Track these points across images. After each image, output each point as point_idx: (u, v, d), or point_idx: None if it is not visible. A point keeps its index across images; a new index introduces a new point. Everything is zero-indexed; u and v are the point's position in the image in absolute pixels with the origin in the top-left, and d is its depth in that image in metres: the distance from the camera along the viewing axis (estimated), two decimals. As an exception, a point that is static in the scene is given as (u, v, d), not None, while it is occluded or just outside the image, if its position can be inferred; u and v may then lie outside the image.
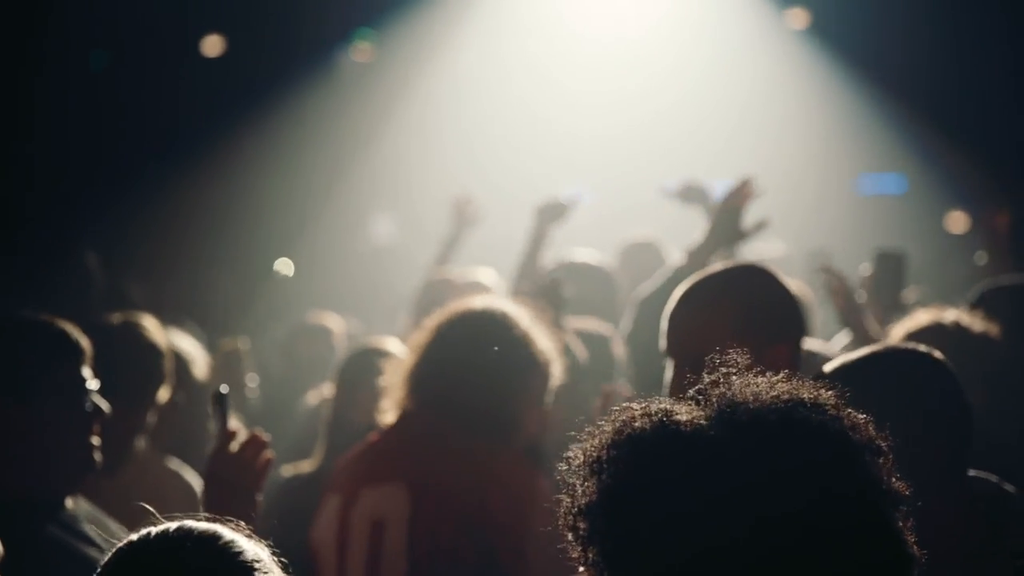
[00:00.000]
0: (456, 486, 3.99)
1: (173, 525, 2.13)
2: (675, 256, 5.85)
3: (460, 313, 4.27)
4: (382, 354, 5.60)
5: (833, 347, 5.68)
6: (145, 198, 11.34)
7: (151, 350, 4.57)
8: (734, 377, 1.94)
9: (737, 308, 3.44)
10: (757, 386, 1.91)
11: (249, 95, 12.65)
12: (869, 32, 13.27)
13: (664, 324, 3.52)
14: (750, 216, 5.27)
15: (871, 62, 13.64)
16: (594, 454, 1.91)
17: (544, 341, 4.22)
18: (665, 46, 14.12)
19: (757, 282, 3.55)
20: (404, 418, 4.19)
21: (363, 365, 5.61)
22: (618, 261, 8.12)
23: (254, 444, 3.50)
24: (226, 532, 2.13)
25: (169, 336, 5.51)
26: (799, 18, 14.37)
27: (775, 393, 1.89)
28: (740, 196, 5.21)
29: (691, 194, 7.12)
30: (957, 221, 14.14)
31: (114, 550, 2.14)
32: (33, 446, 3.51)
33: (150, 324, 4.79)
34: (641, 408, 1.93)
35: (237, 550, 2.11)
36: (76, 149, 11.64)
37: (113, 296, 6.20)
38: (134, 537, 2.14)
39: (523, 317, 4.24)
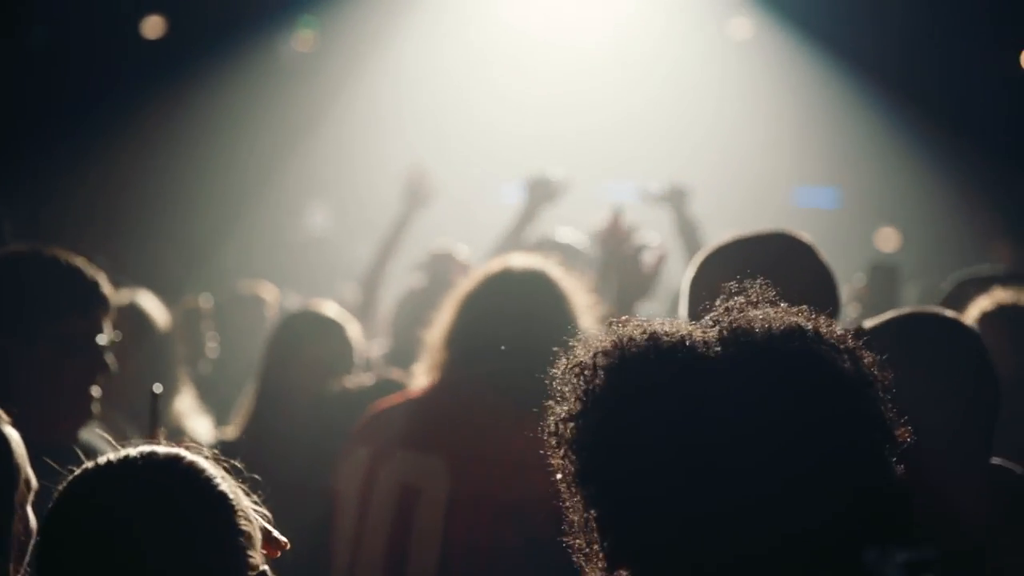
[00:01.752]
0: (499, 471, 3.82)
1: (134, 451, 2.05)
2: None
3: (499, 272, 4.12)
4: (319, 319, 5.42)
5: None
6: (86, 173, 11.25)
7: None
8: (750, 308, 1.88)
9: (795, 278, 3.15)
10: (769, 315, 1.86)
11: (190, 78, 12.56)
12: (815, 44, 13.36)
13: (687, 286, 3.27)
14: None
15: (816, 73, 13.73)
16: (583, 360, 1.86)
17: (583, 299, 4.09)
18: (607, 51, 14.15)
19: (796, 250, 3.33)
20: (447, 382, 4.03)
21: (299, 330, 5.39)
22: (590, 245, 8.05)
23: None
24: (189, 455, 2.06)
25: (133, 295, 5.46)
26: (743, 28, 14.45)
27: (783, 321, 1.84)
28: (624, 244, 4.98)
29: (672, 196, 7.01)
30: (887, 238, 14.28)
31: (71, 476, 2.05)
32: (31, 389, 3.43)
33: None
34: (638, 321, 1.88)
35: (203, 472, 2.05)
36: (7, 122, 11.52)
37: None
38: (90, 465, 2.05)
39: (562, 275, 4.10)
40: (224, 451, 5.13)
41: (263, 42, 13.72)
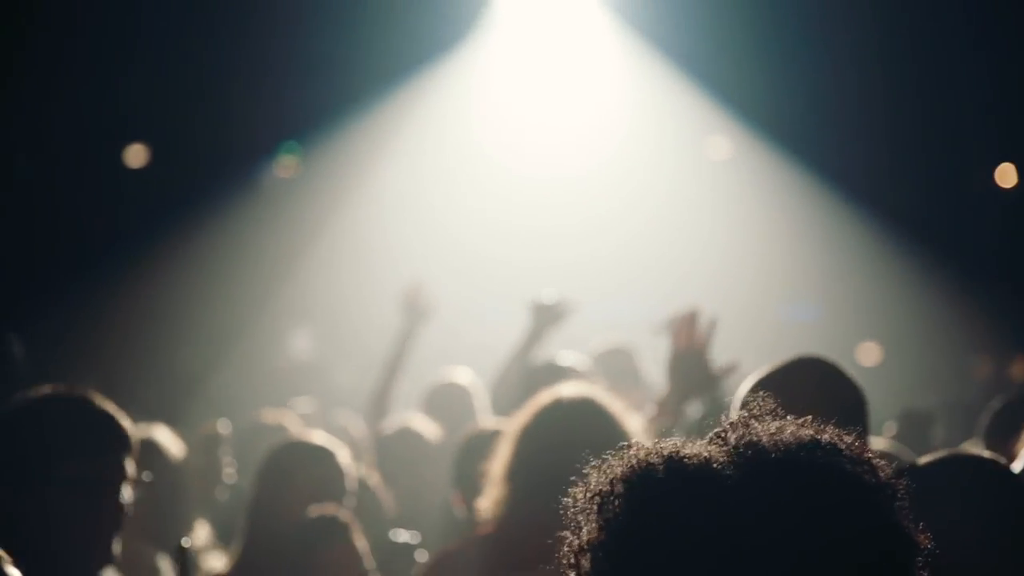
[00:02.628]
0: None
1: None
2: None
3: (551, 403, 4.13)
4: (310, 447, 5.29)
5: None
6: (75, 304, 11.27)
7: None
8: (754, 422, 1.86)
9: (830, 402, 3.32)
10: (777, 429, 1.84)
11: (173, 206, 12.64)
12: (795, 160, 13.51)
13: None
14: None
15: (795, 190, 13.87)
16: (601, 488, 1.83)
17: (634, 421, 4.12)
18: (588, 177, 14.27)
19: (838, 376, 3.45)
20: (516, 517, 3.99)
21: (290, 458, 5.22)
22: (591, 366, 8.01)
23: None
24: None
25: (147, 429, 5.42)
26: (721, 149, 14.61)
27: (794, 435, 1.82)
28: (698, 338, 4.92)
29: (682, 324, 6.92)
30: (869, 352, 14.33)
31: None
32: (35, 541, 3.28)
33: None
34: (652, 445, 1.85)
35: None
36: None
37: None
38: None
39: (610, 399, 4.12)
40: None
41: (246, 169, 13.82)
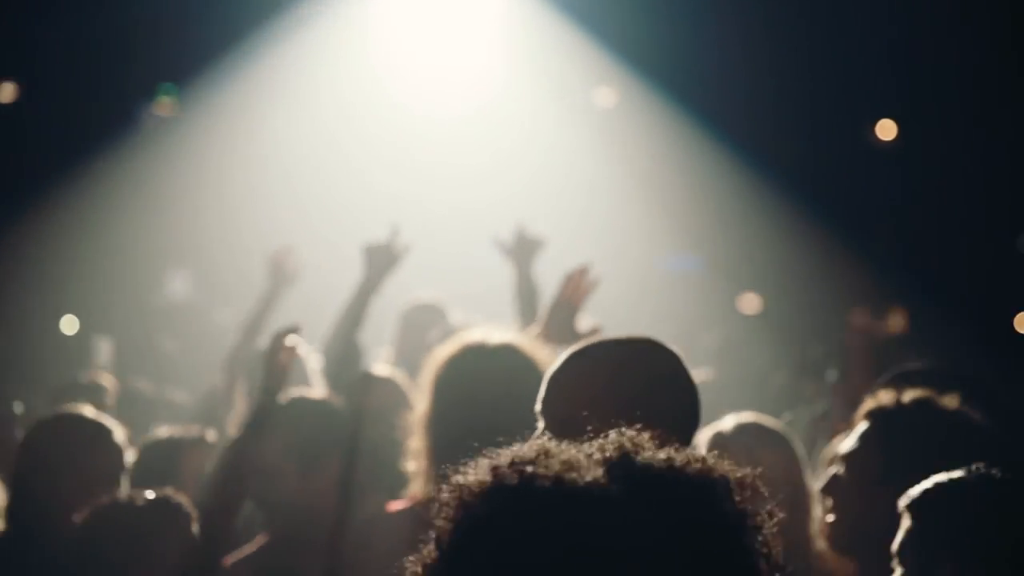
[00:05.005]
0: None
1: None
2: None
3: (475, 347, 3.96)
4: (91, 424, 4.69)
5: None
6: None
7: None
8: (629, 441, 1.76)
9: (645, 382, 2.98)
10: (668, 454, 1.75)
11: (48, 148, 12.41)
12: (680, 112, 13.56)
13: (554, 386, 3.02)
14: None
15: (680, 141, 13.93)
16: (447, 498, 1.73)
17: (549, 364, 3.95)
18: (471, 120, 14.23)
19: (663, 359, 3.04)
20: (443, 464, 3.81)
21: (69, 438, 4.62)
22: (400, 323, 7.77)
23: None
24: None
25: None
26: (607, 96, 14.61)
27: (680, 459, 1.73)
28: (577, 293, 4.83)
29: (519, 249, 6.42)
30: (749, 302, 14.47)
31: None
32: None
33: None
34: (509, 455, 1.74)
35: None
36: None
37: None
38: None
39: (527, 343, 3.98)
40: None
41: (123, 109, 13.60)
